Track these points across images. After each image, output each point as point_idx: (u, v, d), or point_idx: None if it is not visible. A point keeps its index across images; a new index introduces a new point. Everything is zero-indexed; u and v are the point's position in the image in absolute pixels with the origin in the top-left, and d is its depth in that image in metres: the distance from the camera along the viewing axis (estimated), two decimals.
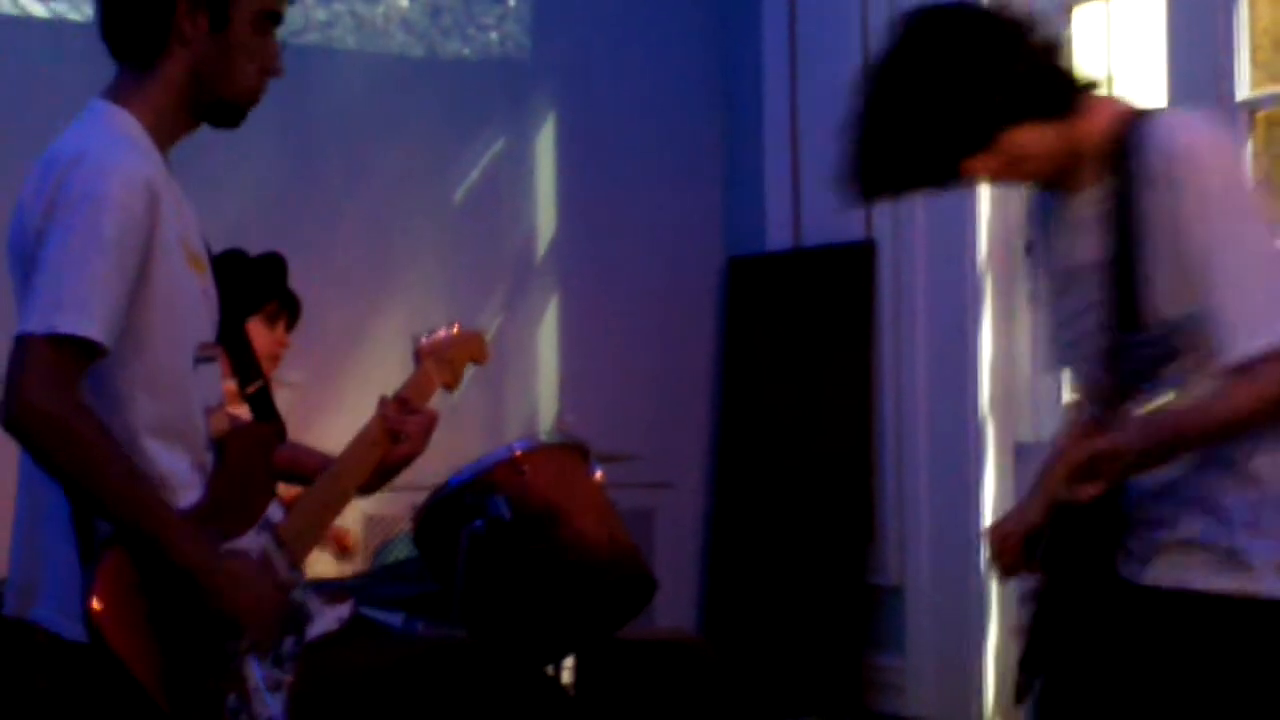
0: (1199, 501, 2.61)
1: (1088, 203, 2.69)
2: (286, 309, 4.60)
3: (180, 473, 2.69)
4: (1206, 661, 2.60)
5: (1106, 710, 2.70)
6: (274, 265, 4.60)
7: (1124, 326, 2.59)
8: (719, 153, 6.23)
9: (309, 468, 3.19)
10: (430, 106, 5.84)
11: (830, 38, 5.76)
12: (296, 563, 2.90)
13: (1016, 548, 2.83)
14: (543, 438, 4.45)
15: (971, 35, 2.66)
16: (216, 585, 2.63)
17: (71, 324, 2.51)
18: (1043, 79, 2.66)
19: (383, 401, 3.12)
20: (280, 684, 2.71)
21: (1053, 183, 2.74)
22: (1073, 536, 2.66)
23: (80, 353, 2.53)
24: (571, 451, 4.05)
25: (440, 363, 3.27)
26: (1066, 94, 2.67)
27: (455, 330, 3.34)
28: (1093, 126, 2.67)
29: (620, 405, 5.89)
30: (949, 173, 2.69)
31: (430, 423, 3.15)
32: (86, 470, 2.54)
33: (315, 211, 5.58)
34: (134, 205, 2.59)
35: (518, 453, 3.88)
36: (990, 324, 5.20)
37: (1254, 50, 4.51)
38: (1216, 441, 2.57)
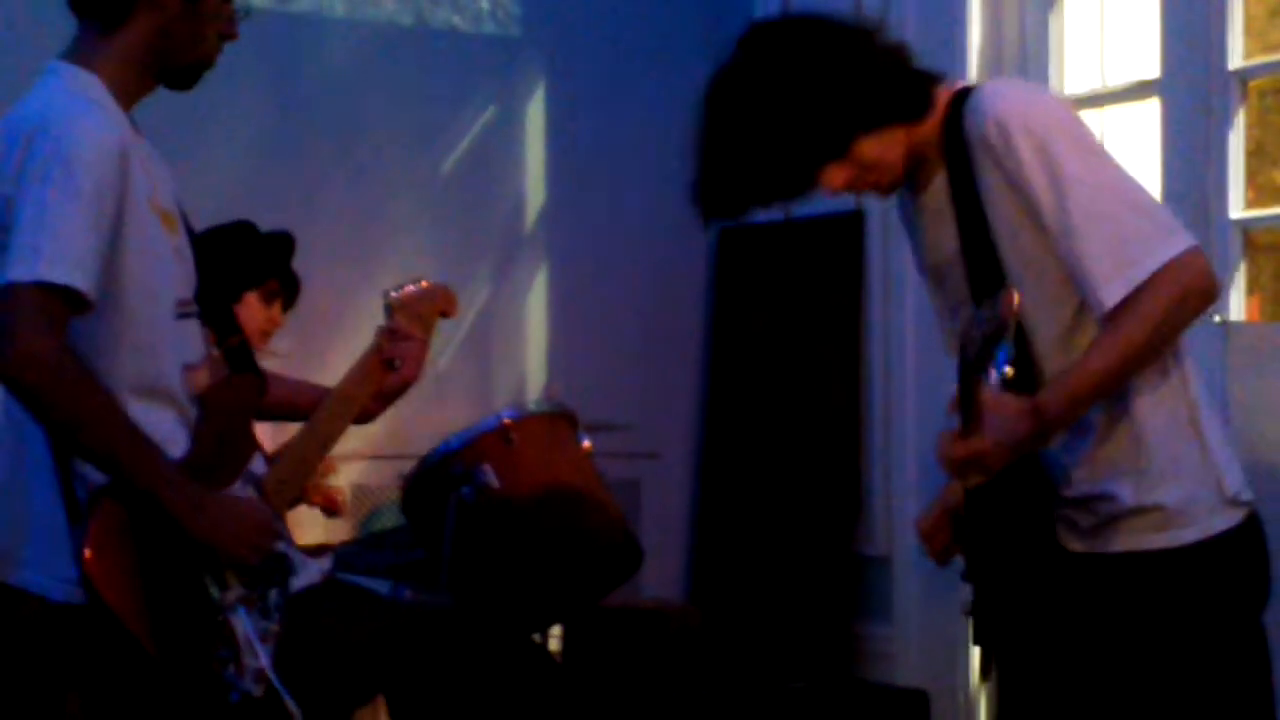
0: (1117, 466, 2.61)
1: (935, 194, 2.68)
2: (285, 289, 4.61)
3: (164, 428, 2.70)
4: (1157, 617, 2.60)
5: (1068, 682, 2.70)
6: (282, 244, 4.61)
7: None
8: None
9: (304, 403, 3.23)
10: (419, 75, 5.82)
11: (822, 8, 5.74)
12: (280, 513, 2.91)
13: (944, 532, 2.85)
14: (531, 407, 4.44)
15: (819, 45, 2.65)
16: (204, 524, 2.64)
17: (58, 273, 2.52)
18: (895, 83, 2.64)
19: (378, 332, 3.21)
20: (268, 634, 2.72)
21: (907, 184, 2.74)
22: (998, 512, 2.66)
23: (65, 302, 2.54)
24: (560, 421, 4.04)
25: (411, 316, 3.31)
26: (919, 97, 2.65)
27: (424, 284, 3.39)
28: (931, 121, 2.66)
29: (608, 375, 5.88)
30: (804, 184, 2.68)
31: (423, 348, 3.22)
32: (77, 412, 2.55)
33: (303, 180, 5.56)
34: (103, 164, 2.60)
35: (506, 421, 3.88)
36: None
37: (1247, 19, 4.50)
38: (1105, 395, 2.56)
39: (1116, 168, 2.59)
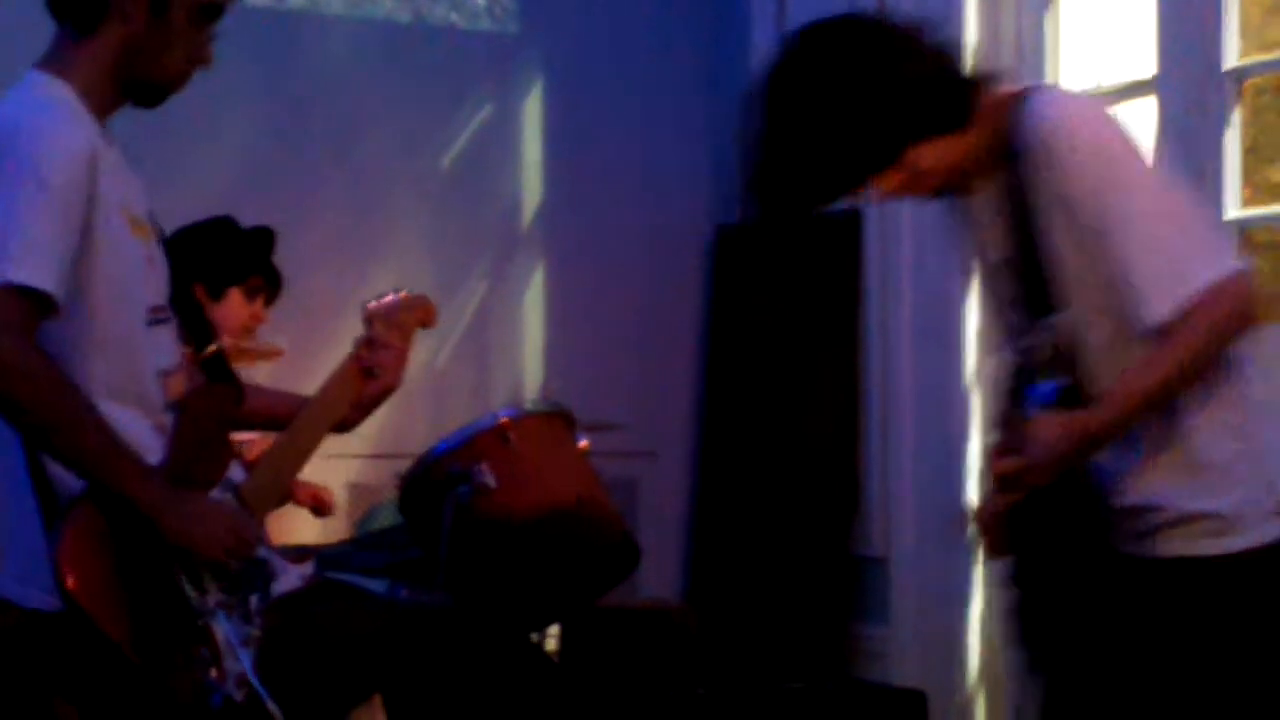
0: (1176, 476, 2.61)
1: (988, 198, 2.69)
2: (268, 284, 4.61)
3: (139, 434, 2.70)
4: (1207, 623, 2.60)
5: (1114, 685, 2.70)
6: (262, 239, 4.61)
7: (1035, 313, 2.60)
8: (706, 121, 6.21)
9: (283, 412, 3.23)
10: (417, 73, 5.82)
11: (819, 6, 5.74)
12: (259, 519, 2.92)
13: (1000, 527, 2.84)
14: (528, 406, 4.44)
15: (869, 51, 2.63)
16: (181, 526, 2.64)
17: (25, 275, 2.52)
18: (942, 93, 2.63)
19: (356, 341, 3.24)
20: (249, 639, 2.72)
21: (961, 190, 2.74)
22: (1047, 519, 2.66)
23: (33, 305, 2.53)
24: (556, 420, 4.04)
25: (389, 326, 3.31)
26: (965, 105, 2.65)
27: (402, 294, 3.39)
28: (982, 128, 2.66)
29: (605, 374, 5.88)
30: (853, 189, 2.69)
31: (402, 356, 3.21)
32: (49, 415, 2.54)
33: (300, 178, 5.56)
34: (74, 169, 2.61)
35: (503, 420, 3.87)
36: (977, 294, 5.19)
37: (1243, 18, 4.49)
38: (1153, 412, 2.56)
39: (1167, 185, 2.60)
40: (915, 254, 5.39)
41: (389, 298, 3.37)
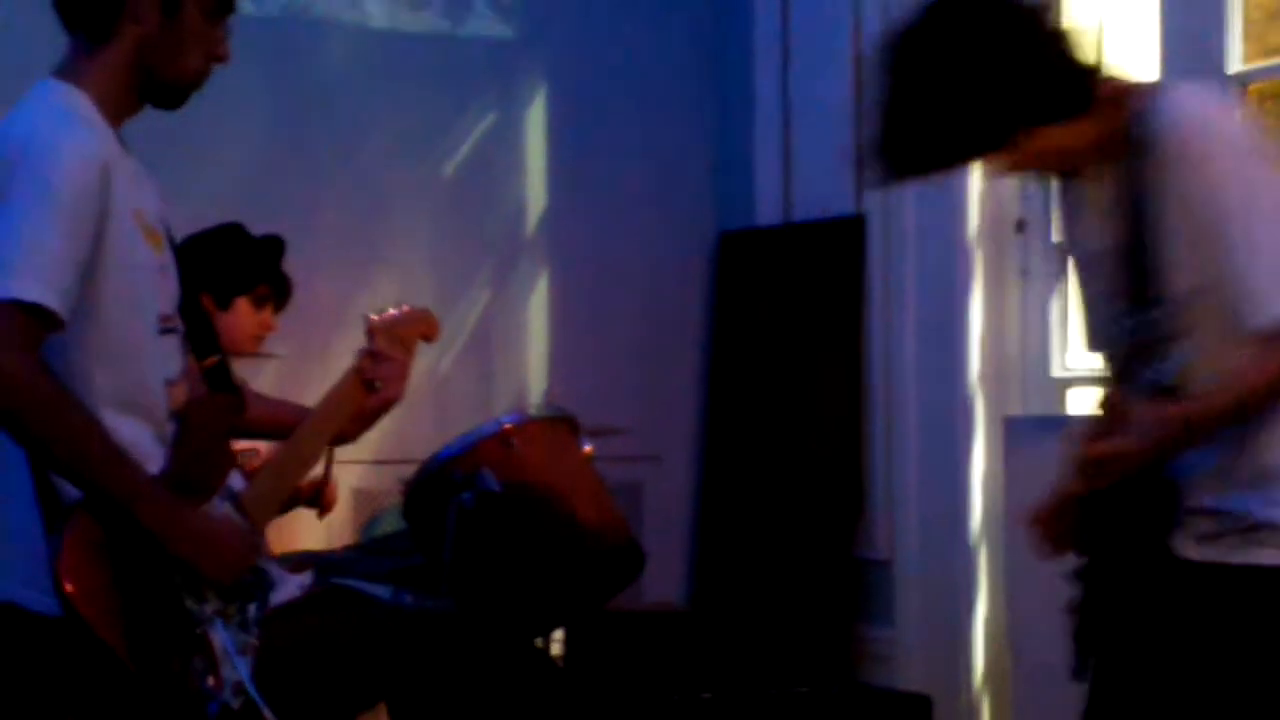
0: (1254, 483, 2.60)
1: (1101, 187, 2.68)
2: (276, 292, 4.61)
3: (142, 444, 2.70)
4: (1271, 633, 2.60)
5: (1165, 688, 2.69)
6: (271, 247, 4.61)
7: (1137, 304, 2.59)
8: (710, 127, 6.21)
9: (286, 421, 3.23)
10: (419, 81, 5.82)
11: (823, 12, 5.75)
12: (258, 530, 2.92)
13: (1060, 523, 2.81)
14: (532, 411, 4.45)
15: (997, 29, 2.62)
16: (183, 543, 2.64)
17: (28, 291, 2.52)
18: (1063, 81, 2.63)
19: (358, 354, 3.24)
20: (246, 647, 2.73)
21: (1070, 173, 2.73)
22: (1118, 515, 2.65)
23: (36, 321, 2.53)
24: (560, 425, 4.05)
25: (392, 339, 3.31)
26: (1085, 93, 2.64)
27: (405, 308, 3.39)
28: (1103, 117, 2.65)
29: (609, 379, 5.89)
30: (962, 164, 2.69)
31: (404, 370, 3.21)
32: (51, 429, 2.54)
33: (304, 185, 5.57)
34: (87, 179, 2.60)
35: (507, 426, 3.88)
36: (980, 298, 5.19)
37: (1246, 23, 4.49)
38: (1253, 413, 2.55)
39: None
40: (919, 257, 5.39)
41: (391, 311, 3.37)
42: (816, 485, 5.70)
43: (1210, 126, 2.58)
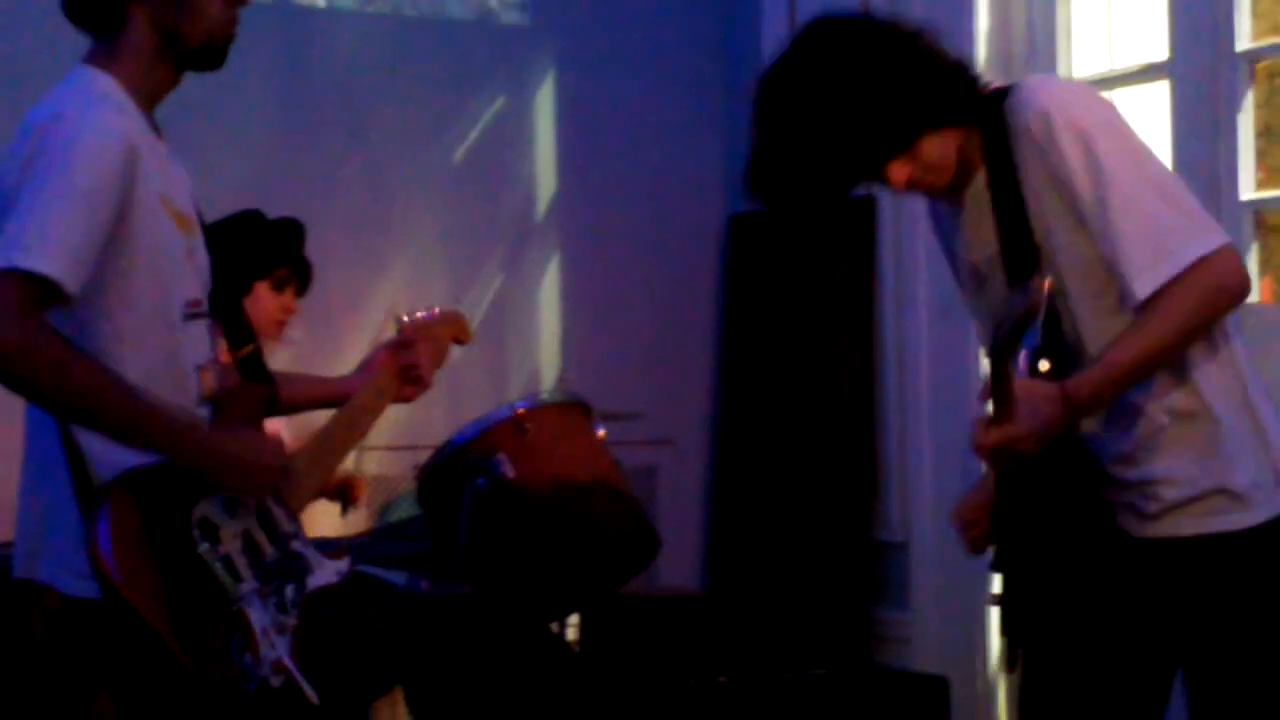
0: (1181, 449, 2.64)
1: (976, 193, 2.71)
2: (297, 276, 4.60)
3: None
4: (1230, 600, 2.63)
5: (1107, 670, 2.71)
6: (290, 231, 4.61)
7: (1019, 284, 2.60)
8: (719, 110, 6.21)
9: (317, 395, 3.26)
10: (429, 66, 5.83)
11: None
12: (294, 513, 2.92)
13: (982, 522, 2.85)
14: (545, 396, 4.44)
15: (888, 41, 2.67)
16: (222, 468, 2.66)
17: (31, 261, 2.52)
18: (961, 84, 2.67)
19: (388, 345, 3.26)
20: (285, 627, 2.73)
21: (953, 189, 2.76)
22: (1037, 498, 2.66)
23: (40, 291, 2.53)
24: (574, 410, 4.04)
25: (425, 341, 3.33)
26: (975, 98, 2.69)
27: (436, 311, 3.40)
28: (981, 120, 2.69)
29: (622, 363, 5.89)
30: (865, 176, 2.71)
31: (436, 366, 3.24)
32: (65, 386, 2.54)
33: (314, 172, 5.57)
34: (110, 160, 2.60)
35: (520, 411, 3.87)
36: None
37: (1255, 1, 4.49)
38: (1130, 386, 2.59)
39: (1157, 163, 2.65)
40: (930, 238, 5.36)
41: (421, 314, 3.39)
42: (830, 467, 5.71)
43: (1064, 109, 2.61)
